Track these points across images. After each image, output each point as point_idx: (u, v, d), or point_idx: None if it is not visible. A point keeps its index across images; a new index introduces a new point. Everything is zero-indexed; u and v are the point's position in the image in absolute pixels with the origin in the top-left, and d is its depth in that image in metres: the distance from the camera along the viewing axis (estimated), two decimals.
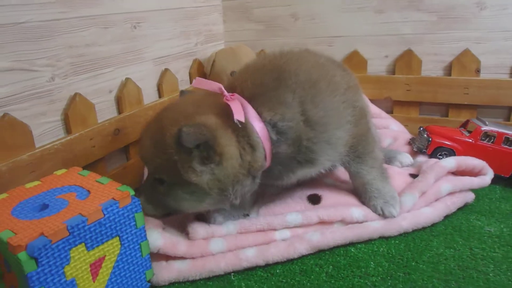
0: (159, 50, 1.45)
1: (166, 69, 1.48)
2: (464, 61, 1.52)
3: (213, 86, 0.94)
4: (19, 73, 0.98)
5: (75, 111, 1.11)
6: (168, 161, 0.86)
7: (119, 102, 1.28)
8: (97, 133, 1.17)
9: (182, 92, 1.08)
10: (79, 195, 0.85)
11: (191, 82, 1.65)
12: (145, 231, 0.88)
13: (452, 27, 1.53)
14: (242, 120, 0.86)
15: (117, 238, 0.83)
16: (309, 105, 0.94)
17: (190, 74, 1.64)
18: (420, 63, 1.59)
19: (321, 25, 1.72)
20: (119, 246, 0.84)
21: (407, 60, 1.60)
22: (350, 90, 1.04)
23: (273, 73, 0.97)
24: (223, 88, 0.92)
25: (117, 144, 1.25)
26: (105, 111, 1.24)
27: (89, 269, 0.79)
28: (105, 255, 0.81)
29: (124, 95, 1.27)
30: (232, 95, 0.91)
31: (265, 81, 0.96)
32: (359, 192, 1.11)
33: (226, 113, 0.88)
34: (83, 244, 0.77)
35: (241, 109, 0.88)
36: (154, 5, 1.40)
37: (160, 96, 1.47)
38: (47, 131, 1.06)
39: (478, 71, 1.51)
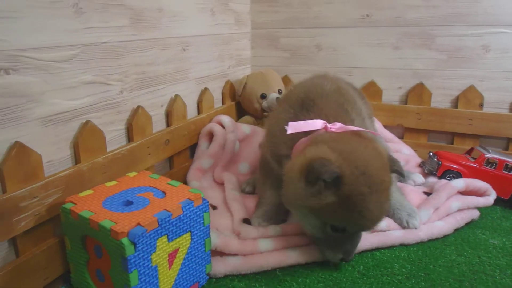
0: (201, 71, 1.63)
1: (206, 88, 1.66)
2: (469, 96, 1.69)
3: (316, 124, 1.05)
4: (98, 86, 1.15)
5: (137, 121, 1.27)
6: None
7: (169, 116, 1.45)
8: (152, 142, 1.33)
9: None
10: (156, 195, 1.02)
11: (223, 101, 1.83)
12: (209, 229, 1.05)
13: (460, 66, 1.70)
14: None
15: (189, 233, 0.99)
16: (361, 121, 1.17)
17: (222, 93, 1.82)
18: (430, 96, 1.76)
19: (342, 56, 1.88)
20: (190, 240, 0.99)
21: (418, 92, 1.77)
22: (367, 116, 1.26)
23: (339, 101, 1.16)
24: (326, 124, 1.05)
25: (166, 153, 1.41)
26: (157, 124, 1.40)
27: (167, 258, 0.94)
28: (179, 248, 0.97)
29: (174, 110, 1.45)
30: (333, 126, 1.05)
31: (339, 108, 1.13)
32: None
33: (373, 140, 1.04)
34: (166, 235, 0.93)
35: None
36: (200, 31, 1.59)
37: (199, 112, 1.65)
38: (114, 138, 1.22)
39: (481, 105, 1.68)
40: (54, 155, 1.05)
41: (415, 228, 1.20)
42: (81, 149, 1.09)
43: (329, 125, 1.06)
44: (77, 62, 1.07)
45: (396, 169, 1.03)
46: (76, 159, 1.10)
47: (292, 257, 1.10)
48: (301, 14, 1.92)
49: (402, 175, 1.06)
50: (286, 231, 1.16)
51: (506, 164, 1.41)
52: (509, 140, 1.68)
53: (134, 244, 0.85)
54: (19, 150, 0.93)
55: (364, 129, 1.07)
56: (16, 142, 0.93)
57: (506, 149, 1.68)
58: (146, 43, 1.31)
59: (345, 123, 1.08)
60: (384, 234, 1.19)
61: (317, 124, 1.05)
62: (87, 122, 1.11)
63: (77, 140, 1.08)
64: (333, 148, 0.96)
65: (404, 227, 1.21)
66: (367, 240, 1.16)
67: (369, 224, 0.97)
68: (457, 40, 1.68)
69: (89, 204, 0.96)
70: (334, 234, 1.00)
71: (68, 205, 0.96)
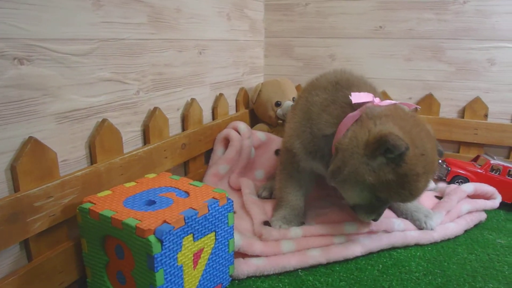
0: (216, 77, 1.53)
1: (221, 94, 1.56)
2: (475, 107, 1.66)
3: (369, 96, 1.03)
4: (115, 84, 1.05)
5: (154, 123, 1.17)
6: None
7: (185, 120, 1.34)
8: (170, 146, 1.23)
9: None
10: (179, 195, 0.92)
11: (237, 109, 1.73)
12: (233, 229, 0.95)
13: (467, 78, 1.67)
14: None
15: (214, 233, 0.89)
16: None
17: (236, 100, 1.72)
18: (439, 106, 1.72)
19: (355, 67, 1.82)
20: (214, 240, 0.90)
21: (428, 103, 1.73)
22: None
23: (369, 82, 1.15)
24: (373, 97, 1.03)
25: (182, 157, 1.30)
26: (173, 127, 1.30)
27: (192, 258, 0.84)
28: (204, 247, 0.87)
29: (190, 114, 1.34)
30: (377, 100, 1.04)
31: (372, 89, 1.12)
32: (400, 208, 1.22)
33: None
34: (192, 234, 0.83)
35: None
36: (216, 35, 1.50)
37: (214, 118, 1.54)
38: (130, 139, 1.12)
39: (486, 116, 1.65)
40: (70, 154, 0.94)
41: (432, 229, 1.18)
42: (97, 148, 0.98)
43: (376, 100, 1.03)
44: (95, 57, 0.98)
45: (439, 149, 1.03)
46: (92, 159, 0.99)
47: (313, 257, 1.05)
48: (316, 24, 1.88)
49: (441, 155, 1.04)
50: (307, 233, 1.10)
51: (509, 170, 1.43)
52: (510, 149, 1.66)
53: (161, 241, 0.76)
54: (33, 146, 0.82)
55: (405, 103, 1.06)
56: (30, 137, 0.82)
57: (508, 157, 1.66)
58: (163, 43, 1.21)
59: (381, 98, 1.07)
60: (401, 234, 1.16)
61: (369, 96, 1.03)
62: (104, 120, 1.01)
63: (94, 139, 0.98)
64: (397, 124, 0.94)
65: (422, 228, 1.19)
66: (386, 238, 1.14)
67: (412, 199, 0.97)
68: (465, 53, 1.66)
69: (109, 204, 0.86)
70: (375, 202, 1.00)
71: (87, 205, 0.86)
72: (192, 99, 1.37)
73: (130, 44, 1.08)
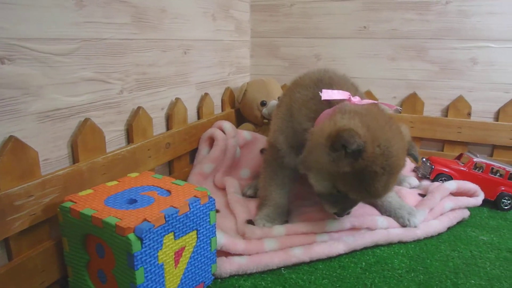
0: (201, 76, 1.54)
1: (206, 94, 1.56)
2: (458, 106, 1.68)
3: (344, 94, 1.05)
4: (98, 83, 1.05)
5: (138, 123, 1.17)
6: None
7: (169, 119, 1.35)
8: (154, 145, 1.23)
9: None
10: (161, 193, 0.92)
11: (223, 108, 1.74)
12: (215, 228, 0.95)
13: (450, 77, 1.69)
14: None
15: (195, 231, 0.89)
16: None
17: (222, 100, 1.73)
18: (422, 105, 1.73)
19: (340, 66, 1.85)
20: (196, 239, 0.90)
21: (412, 102, 1.75)
22: None
23: (351, 82, 1.16)
24: (350, 96, 1.05)
25: (166, 157, 1.31)
26: (157, 127, 1.30)
27: (173, 256, 0.85)
28: (185, 246, 0.87)
29: (174, 113, 1.35)
30: (355, 98, 1.05)
31: (353, 87, 1.15)
32: (383, 206, 1.23)
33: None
34: (173, 233, 0.83)
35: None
36: (201, 35, 1.50)
37: (199, 117, 1.55)
38: (113, 139, 1.12)
39: (469, 114, 1.67)
40: (51, 153, 0.94)
41: (415, 226, 1.19)
42: (80, 148, 0.99)
43: (352, 98, 1.05)
44: (77, 57, 0.98)
45: (412, 153, 1.06)
46: (74, 159, 0.99)
47: (296, 255, 1.05)
48: (301, 24, 1.89)
49: (416, 159, 1.06)
50: (290, 231, 1.11)
51: (492, 168, 1.44)
52: (494, 147, 1.68)
53: (141, 240, 0.76)
54: (14, 145, 0.82)
55: (387, 104, 1.07)
56: (11, 136, 0.82)
57: (491, 155, 1.69)
58: (147, 43, 1.22)
59: (362, 98, 1.08)
60: (384, 231, 1.17)
61: (345, 94, 1.05)
62: (87, 120, 1.01)
63: (76, 138, 0.98)
64: (363, 122, 0.95)
65: (405, 225, 1.20)
66: (369, 236, 1.14)
67: (370, 198, 0.99)
68: (448, 53, 1.68)
69: (90, 203, 0.86)
70: (336, 194, 1.02)
71: (68, 204, 0.85)
72: (177, 99, 1.37)
73: (113, 44, 1.09)
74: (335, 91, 1.05)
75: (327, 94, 1.04)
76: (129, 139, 1.17)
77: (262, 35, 1.97)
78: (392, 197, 1.23)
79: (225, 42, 1.71)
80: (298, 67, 1.94)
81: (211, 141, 1.50)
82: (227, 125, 1.52)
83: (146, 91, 1.24)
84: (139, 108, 1.18)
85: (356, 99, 1.05)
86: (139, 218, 0.78)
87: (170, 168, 1.40)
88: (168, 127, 1.36)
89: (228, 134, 1.49)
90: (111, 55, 1.08)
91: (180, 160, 1.42)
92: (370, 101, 1.06)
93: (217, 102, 1.69)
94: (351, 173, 0.93)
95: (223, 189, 1.38)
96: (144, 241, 0.76)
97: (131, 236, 0.75)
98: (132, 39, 1.15)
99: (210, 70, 1.61)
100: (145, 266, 0.78)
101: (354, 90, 1.12)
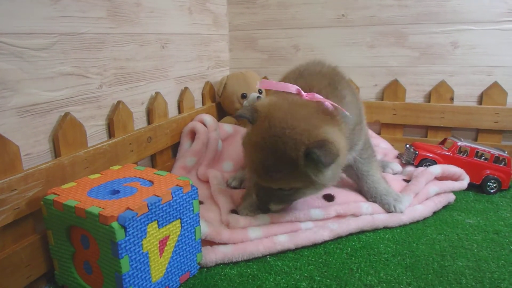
0: (180, 70, 1.58)
1: (186, 88, 1.60)
2: (441, 91, 1.72)
3: (290, 88, 1.06)
4: (77, 78, 1.08)
5: (118, 117, 1.21)
6: (296, 173, 0.98)
7: (150, 114, 1.39)
8: (135, 139, 1.27)
9: (240, 115, 1.08)
10: (143, 184, 0.96)
11: (203, 102, 1.78)
12: (199, 217, 0.99)
13: (431, 62, 1.73)
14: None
15: (179, 220, 0.93)
16: (356, 102, 1.19)
17: (202, 94, 1.77)
18: (404, 92, 1.78)
19: (319, 56, 1.81)
20: (180, 228, 0.94)
21: (393, 89, 1.79)
22: (360, 102, 1.29)
23: (332, 77, 1.17)
24: (300, 90, 1.06)
25: (148, 151, 1.35)
26: (138, 121, 1.34)
27: (158, 245, 0.88)
28: (169, 235, 0.91)
29: (155, 107, 1.39)
30: (309, 94, 1.06)
31: (330, 82, 1.14)
32: (370, 191, 1.26)
33: (325, 112, 1.03)
34: (156, 221, 0.87)
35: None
36: (178, 29, 1.54)
37: (180, 112, 1.59)
38: (94, 133, 1.15)
39: (452, 99, 1.71)
40: (33, 148, 0.97)
41: (401, 212, 1.23)
42: (61, 142, 1.02)
43: (304, 93, 1.06)
44: (54, 51, 1.01)
45: (311, 152, 0.94)
46: (56, 153, 1.03)
47: (281, 243, 1.08)
48: (278, 15, 1.92)
49: (322, 164, 0.94)
50: (274, 220, 1.15)
51: (477, 152, 1.47)
52: (478, 131, 1.72)
53: (125, 228, 0.80)
54: None
55: (333, 103, 1.06)
56: None
57: (476, 139, 1.73)
58: (124, 37, 1.25)
59: (327, 97, 1.07)
60: (369, 217, 1.21)
61: (290, 87, 1.06)
62: (67, 114, 1.04)
63: (57, 133, 1.02)
64: (270, 104, 1.03)
65: (391, 212, 1.23)
66: (354, 222, 1.18)
67: (256, 174, 1.03)
68: (428, 37, 1.72)
69: (73, 195, 0.90)
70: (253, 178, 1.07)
71: (51, 197, 0.89)
72: (157, 93, 1.41)
73: (89, 39, 1.12)
74: (275, 83, 1.09)
75: (263, 84, 1.11)
76: (111, 134, 1.21)
77: (240, 28, 2.00)
78: (378, 183, 1.26)
79: (203, 36, 1.75)
80: (277, 59, 1.97)
81: (193, 134, 1.54)
82: (208, 118, 1.56)
83: (125, 85, 1.27)
84: (119, 102, 1.22)
85: (310, 95, 1.05)
86: (122, 207, 0.82)
87: (152, 162, 1.44)
88: (149, 122, 1.40)
89: (210, 127, 1.53)
90: (88, 49, 1.12)
91: (162, 154, 1.46)
92: (315, 96, 1.05)
93: (197, 96, 1.73)
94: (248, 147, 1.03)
95: (206, 181, 1.42)
96: (127, 229, 0.80)
97: (115, 225, 0.79)
98: (109, 34, 1.19)
99: (189, 64, 1.64)
100: (130, 255, 0.81)
101: (332, 88, 1.13)
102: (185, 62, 1.62)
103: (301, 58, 1.92)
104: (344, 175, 1.34)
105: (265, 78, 1.99)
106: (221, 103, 1.84)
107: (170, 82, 1.52)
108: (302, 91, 1.07)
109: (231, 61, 2.05)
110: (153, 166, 1.44)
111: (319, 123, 0.99)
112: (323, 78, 1.16)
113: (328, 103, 1.04)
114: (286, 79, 1.21)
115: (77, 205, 0.84)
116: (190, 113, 1.60)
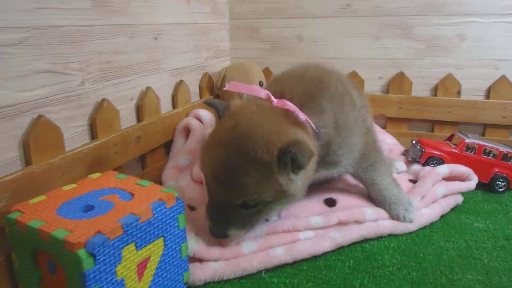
0: (175, 62, 1.41)
1: (181, 81, 1.44)
2: (447, 84, 1.58)
3: (259, 92, 0.91)
4: (54, 75, 0.92)
5: (102, 116, 1.05)
6: (267, 180, 0.82)
7: (140, 110, 1.22)
8: (121, 140, 1.11)
9: (210, 103, 0.97)
10: (122, 197, 0.80)
11: (201, 95, 1.61)
12: (185, 232, 0.84)
13: (437, 55, 1.59)
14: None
15: (162, 238, 0.78)
16: (339, 114, 0.97)
17: (200, 87, 1.60)
18: (410, 85, 1.64)
19: (323, 47, 1.75)
20: (163, 247, 0.79)
21: (399, 82, 1.65)
22: (363, 108, 1.11)
23: (313, 83, 0.98)
24: (270, 95, 0.91)
25: (137, 151, 1.19)
26: (126, 119, 1.18)
27: (136, 269, 0.74)
28: (150, 256, 0.76)
29: (145, 104, 1.22)
30: (280, 101, 0.90)
31: (307, 90, 0.97)
32: (378, 200, 1.11)
33: (294, 121, 0.88)
34: (134, 243, 0.72)
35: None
36: (173, 18, 1.37)
37: (174, 107, 1.42)
38: (74, 135, 1.00)
39: (459, 92, 1.58)
40: (0, 156, 0.82)
41: (411, 222, 1.08)
42: (32, 148, 0.86)
43: (274, 99, 0.91)
44: (28, 47, 0.85)
45: (285, 151, 0.81)
46: (27, 161, 0.87)
47: (278, 256, 0.93)
48: (281, 4, 1.77)
49: (299, 163, 0.82)
50: (270, 230, 0.99)
51: (485, 149, 1.35)
52: (485, 126, 1.60)
53: (94, 256, 0.65)
54: None
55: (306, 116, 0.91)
56: None
57: (483, 134, 1.61)
58: (112, 29, 1.09)
59: (300, 106, 0.92)
60: (373, 224, 1.06)
61: (259, 92, 0.93)
62: (40, 117, 0.88)
63: (28, 137, 0.86)
64: (238, 107, 0.90)
65: (401, 222, 1.09)
66: (357, 230, 1.03)
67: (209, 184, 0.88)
68: (434, 29, 1.58)
69: (40, 212, 0.74)
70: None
71: (14, 215, 0.73)
72: (148, 88, 1.24)
73: (71, 32, 0.96)
74: (244, 86, 0.95)
75: (232, 86, 0.96)
76: (93, 135, 1.05)
77: (241, 17, 1.84)
78: (387, 190, 1.09)
79: (201, 25, 1.58)
80: (279, 49, 1.82)
81: (188, 131, 1.38)
82: (204, 114, 1.40)
83: (112, 81, 1.11)
84: (103, 100, 1.06)
85: (281, 102, 0.90)
86: (92, 230, 0.67)
87: (142, 163, 1.28)
88: (138, 119, 1.23)
89: (206, 123, 1.37)
90: (68, 43, 0.95)
91: (153, 154, 1.30)
92: (283, 102, 0.91)
93: (194, 89, 1.56)
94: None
95: (200, 183, 1.26)
96: (97, 257, 0.65)
97: (81, 253, 0.64)
98: (94, 25, 1.03)
99: (185, 55, 1.47)
100: (100, 285, 0.67)
101: (301, 97, 0.96)
102: (182, 53, 1.45)
103: (304, 48, 1.78)
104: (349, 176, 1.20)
105: (266, 69, 1.84)
106: (219, 96, 1.68)
107: (164, 75, 1.35)
108: (272, 97, 0.91)
109: (231, 51, 1.89)
110: (143, 167, 1.28)
111: (287, 125, 0.86)
112: (300, 84, 1.00)
113: (301, 114, 0.89)
114: (272, 80, 1.07)
115: (41, 226, 0.69)
116: (186, 108, 1.44)
